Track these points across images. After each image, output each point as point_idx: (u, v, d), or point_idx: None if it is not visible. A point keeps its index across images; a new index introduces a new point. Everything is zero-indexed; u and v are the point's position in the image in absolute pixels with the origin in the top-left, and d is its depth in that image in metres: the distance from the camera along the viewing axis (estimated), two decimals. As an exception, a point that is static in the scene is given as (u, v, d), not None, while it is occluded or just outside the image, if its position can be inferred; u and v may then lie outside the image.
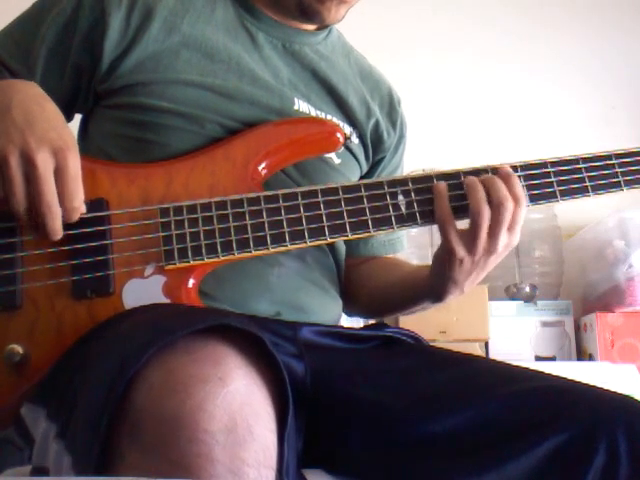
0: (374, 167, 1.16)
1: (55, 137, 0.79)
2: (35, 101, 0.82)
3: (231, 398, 0.58)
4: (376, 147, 1.14)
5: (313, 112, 1.03)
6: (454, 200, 0.91)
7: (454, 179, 0.92)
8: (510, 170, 0.91)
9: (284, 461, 0.62)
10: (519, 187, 0.89)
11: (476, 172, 0.93)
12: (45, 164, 0.77)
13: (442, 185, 0.90)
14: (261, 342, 0.63)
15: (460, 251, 0.89)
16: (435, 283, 0.96)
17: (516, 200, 0.88)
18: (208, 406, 0.57)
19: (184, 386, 0.58)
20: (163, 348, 0.60)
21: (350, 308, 1.16)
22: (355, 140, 1.09)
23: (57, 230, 0.79)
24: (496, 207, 0.87)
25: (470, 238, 0.88)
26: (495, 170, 0.92)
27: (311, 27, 1.08)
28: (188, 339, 0.61)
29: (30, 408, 0.77)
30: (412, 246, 1.29)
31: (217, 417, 0.57)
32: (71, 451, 0.63)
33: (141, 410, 0.58)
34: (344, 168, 1.06)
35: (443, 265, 0.92)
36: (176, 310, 0.75)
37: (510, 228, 0.89)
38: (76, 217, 0.81)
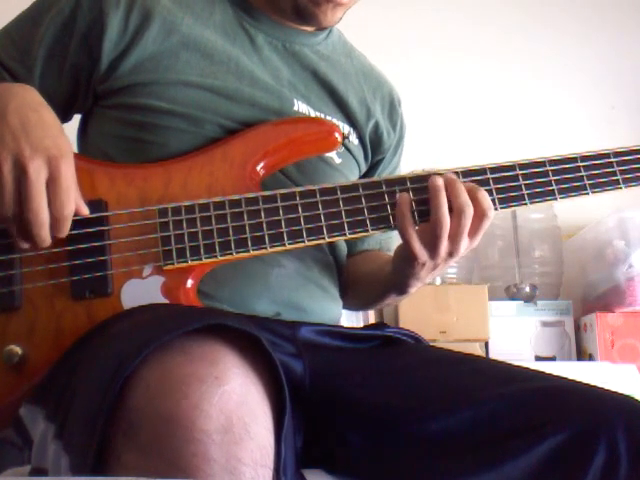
0: (373, 168, 1.16)
1: (50, 145, 0.79)
2: (32, 108, 0.82)
3: (227, 397, 0.58)
4: (376, 148, 1.14)
5: (312, 113, 1.03)
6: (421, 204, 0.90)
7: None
8: (475, 185, 0.89)
9: (281, 460, 0.62)
10: (486, 199, 0.88)
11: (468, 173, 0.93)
12: (37, 173, 0.77)
13: (406, 196, 0.89)
14: (258, 341, 0.63)
15: (423, 256, 0.89)
16: (398, 279, 0.97)
17: (480, 210, 0.87)
18: (204, 405, 0.57)
19: (180, 385, 0.58)
20: (160, 348, 0.60)
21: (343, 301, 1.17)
22: (354, 141, 1.09)
23: (43, 238, 0.78)
24: (457, 214, 0.87)
25: (432, 245, 0.88)
26: (467, 173, 0.92)
27: (311, 28, 1.08)
28: (185, 339, 0.61)
29: (29, 409, 0.77)
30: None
31: (213, 416, 0.57)
32: (68, 451, 0.63)
33: (137, 409, 0.58)
34: (344, 168, 1.06)
35: (405, 265, 0.92)
36: (174, 310, 0.75)
37: (471, 235, 0.88)
38: (65, 226, 0.80)
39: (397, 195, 0.89)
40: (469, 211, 0.87)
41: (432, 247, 0.88)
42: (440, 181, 0.88)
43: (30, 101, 0.83)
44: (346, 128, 1.07)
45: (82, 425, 0.61)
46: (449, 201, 0.87)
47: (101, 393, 0.59)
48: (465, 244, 0.88)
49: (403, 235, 0.89)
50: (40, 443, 0.71)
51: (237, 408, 0.58)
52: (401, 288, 0.99)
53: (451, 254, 0.89)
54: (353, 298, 1.15)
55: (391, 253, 1.18)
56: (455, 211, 0.87)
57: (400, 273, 0.95)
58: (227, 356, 0.61)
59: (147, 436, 0.57)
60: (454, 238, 0.87)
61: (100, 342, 0.72)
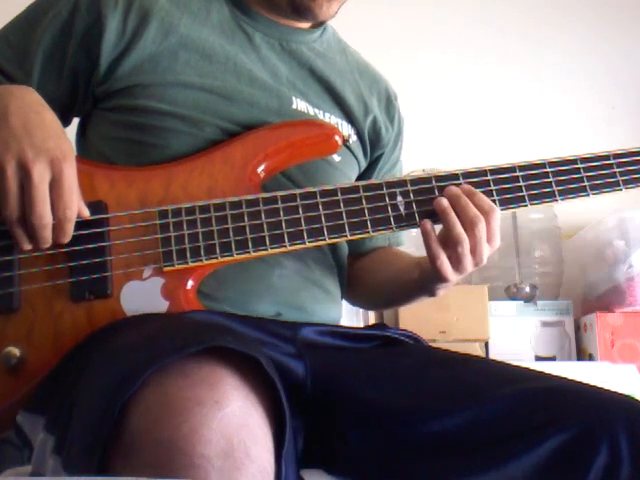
0: (374, 163, 1.16)
1: (52, 147, 0.79)
2: (33, 109, 0.82)
3: (227, 421, 0.58)
4: (374, 143, 1.14)
5: (311, 111, 1.03)
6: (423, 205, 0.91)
7: (452, 180, 0.93)
8: (471, 187, 0.91)
9: (282, 479, 0.61)
10: (485, 200, 0.90)
11: (449, 178, 0.93)
12: (41, 175, 0.77)
13: (428, 224, 0.90)
14: (258, 361, 0.62)
15: (452, 277, 0.90)
16: (427, 287, 0.99)
17: (486, 214, 0.89)
18: (204, 430, 0.56)
19: (180, 410, 0.57)
20: (158, 370, 0.59)
21: (353, 300, 1.18)
22: (353, 137, 1.09)
23: (46, 239, 0.79)
24: (470, 229, 0.88)
25: (457, 262, 0.89)
26: (467, 175, 0.93)
27: (306, 25, 1.08)
28: (184, 360, 0.61)
29: (27, 417, 0.77)
30: (412, 246, 1.30)
31: (213, 441, 0.56)
32: (68, 470, 0.62)
33: (137, 433, 0.57)
34: (344, 166, 1.06)
35: (434, 282, 0.95)
36: (174, 325, 0.74)
37: (489, 239, 0.90)
38: (69, 228, 0.80)
39: (421, 225, 0.90)
40: (481, 224, 0.88)
41: (458, 264, 0.89)
42: (445, 202, 0.90)
43: (30, 102, 0.83)
44: (345, 127, 1.07)
45: (81, 447, 0.60)
46: (458, 217, 0.89)
47: (100, 416, 0.58)
48: (487, 251, 0.90)
49: (434, 263, 0.90)
50: (39, 452, 0.71)
51: (238, 431, 0.57)
52: (432, 294, 1.00)
53: (477, 264, 0.90)
54: (375, 299, 1.17)
55: (402, 247, 1.19)
56: (468, 226, 0.88)
57: (430, 286, 0.97)
58: (227, 378, 0.60)
59: (147, 461, 0.56)
60: (474, 250, 0.89)
61: (99, 356, 0.71)
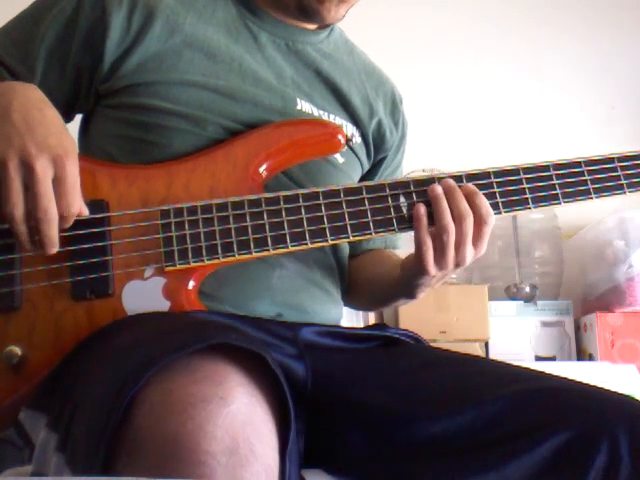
0: (376, 166, 1.16)
1: (55, 143, 0.79)
2: (35, 106, 0.82)
3: (233, 417, 0.57)
4: (379, 146, 1.14)
5: (316, 112, 1.03)
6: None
7: (455, 182, 0.92)
8: (474, 188, 0.90)
9: (285, 477, 0.61)
10: (485, 203, 0.89)
11: (452, 179, 0.92)
12: (44, 171, 0.77)
13: (422, 208, 0.90)
14: (263, 358, 0.62)
15: (433, 270, 0.90)
16: (407, 287, 0.99)
17: (480, 217, 0.88)
18: (209, 427, 0.56)
19: (185, 406, 0.57)
20: (163, 367, 0.59)
21: (347, 300, 1.17)
22: (357, 139, 1.09)
23: (53, 236, 0.79)
24: (458, 222, 0.88)
25: (440, 255, 0.89)
26: (470, 176, 0.93)
27: (313, 26, 1.08)
28: (188, 357, 0.61)
29: (29, 414, 0.76)
30: (410, 248, 1.30)
31: (218, 438, 0.56)
32: (72, 468, 0.62)
33: (141, 430, 0.57)
34: (347, 167, 1.06)
35: (415, 276, 0.94)
36: (177, 323, 0.74)
37: (475, 243, 0.89)
38: (67, 226, 0.80)
39: (414, 208, 0.90)
40: (469, 219, 0.88)
41: (440, 257, 0.88)
42: (439, 189, 0.90)
43: (33, 99, 0.83)
44: (349, 129, 1.07)
45: (85, 445, 0.60)
46: (450, 209, 0.88)
47: (104, 414, 0.58)
48: (471, 253, 0.89)
49: (419, 249, 0.89)
50: (41, 450, 0.70)
51: (242, 428, 0.57)
52: (410, 294, 1.00)
53: (458, 264, 0.89)
54: (363, 299, 1.16)
55: (397, 250, 1.19)
56: (456, 219, 0.88)
57: (410, 283, 0.97)
58: (231, 375, 0.60)
59: (152, 458, 0.56)
60: (458, 246, 0.88)
61: (102, 354, 0.71)
